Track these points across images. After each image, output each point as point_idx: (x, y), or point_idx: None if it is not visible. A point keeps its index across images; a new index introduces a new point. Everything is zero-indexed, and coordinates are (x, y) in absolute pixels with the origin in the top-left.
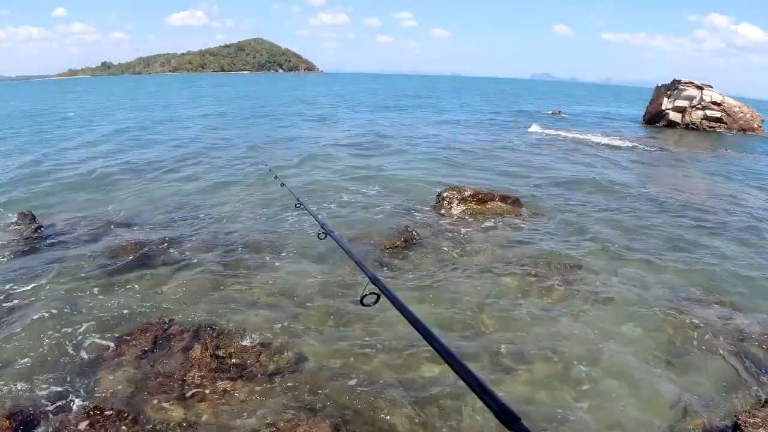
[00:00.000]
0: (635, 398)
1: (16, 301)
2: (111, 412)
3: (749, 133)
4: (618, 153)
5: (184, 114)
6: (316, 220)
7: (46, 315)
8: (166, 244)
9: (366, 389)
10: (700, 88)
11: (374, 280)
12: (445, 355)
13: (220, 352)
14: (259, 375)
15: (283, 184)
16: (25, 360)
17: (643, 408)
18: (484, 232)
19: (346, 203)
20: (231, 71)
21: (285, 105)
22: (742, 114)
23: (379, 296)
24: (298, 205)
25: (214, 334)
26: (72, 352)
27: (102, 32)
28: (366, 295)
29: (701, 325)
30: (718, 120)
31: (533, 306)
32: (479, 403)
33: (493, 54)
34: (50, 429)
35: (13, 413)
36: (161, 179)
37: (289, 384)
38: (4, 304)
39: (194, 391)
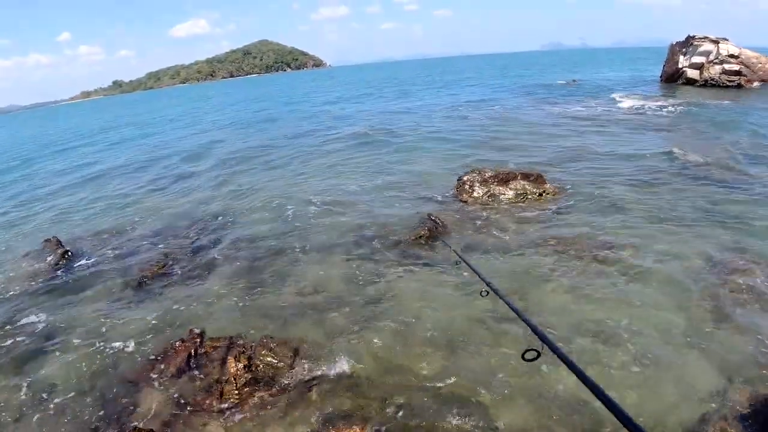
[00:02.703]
0: (677, 369)
1: (51, 329)
2: None
3: None
4: (636, 117)
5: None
6: (480, 278)
7: (82, 341)
8: (191, 255)
9: (400, 394)
10: (715, 42)
11: (543, 338)
12: (619, 415)
13: (254, 364)
14: (293, 384)
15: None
16: (65, 386)
17: (686, 378)
18: (509, 213)
19: (362, 191)
20: (240, 76)
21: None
22: (761, 65)
23: (539, 353)
24: (458, 262)
25: (246, 346)
26: (109, 375)
27: (109, 52)
28: (528, 350)
29: (740, 290)
30: (737, 73)
31: (566, 286)
32: None
33: (500, 28)
34: None
35: None
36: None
37: (323, 392)
38: (39, 333)
39: (231, 405)
